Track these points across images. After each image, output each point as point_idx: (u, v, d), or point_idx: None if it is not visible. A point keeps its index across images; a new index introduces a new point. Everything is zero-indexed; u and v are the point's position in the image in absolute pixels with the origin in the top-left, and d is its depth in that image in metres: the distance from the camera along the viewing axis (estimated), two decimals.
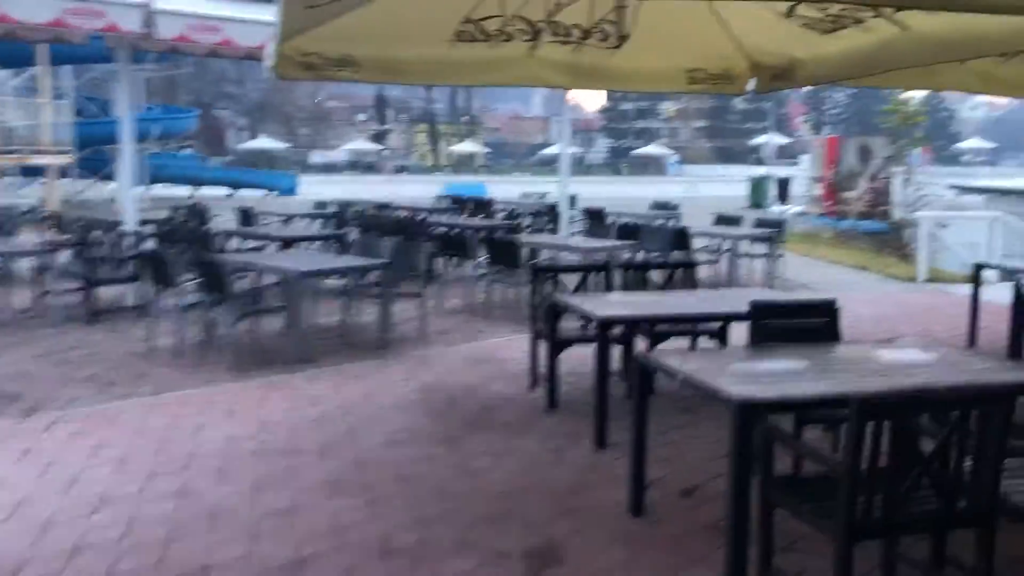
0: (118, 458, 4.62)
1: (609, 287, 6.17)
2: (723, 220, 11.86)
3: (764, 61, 7.29)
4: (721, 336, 5.78)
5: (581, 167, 63.38)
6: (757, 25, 6.74)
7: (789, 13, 6.01)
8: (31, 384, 6.16)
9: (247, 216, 12.27)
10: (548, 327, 5.57)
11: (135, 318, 8.48)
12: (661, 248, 10.03)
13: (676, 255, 10.15)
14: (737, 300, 5.78)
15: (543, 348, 5.89)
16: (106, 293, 9.12)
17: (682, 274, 6.39)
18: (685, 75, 7.45)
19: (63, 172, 22.25)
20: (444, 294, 9.55)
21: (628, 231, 10.41)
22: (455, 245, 9.61)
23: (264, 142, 55.95)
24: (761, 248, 11.10)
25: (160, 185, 29.29)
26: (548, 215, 13.85)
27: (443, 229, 11.31)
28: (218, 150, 59.46)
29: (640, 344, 5.75)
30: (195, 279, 7.12)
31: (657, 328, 5.69)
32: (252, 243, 10.69)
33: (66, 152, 19.84)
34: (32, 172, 22.19)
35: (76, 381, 6.27)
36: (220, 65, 57.32)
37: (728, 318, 5.29)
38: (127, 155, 9.33)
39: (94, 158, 23.54)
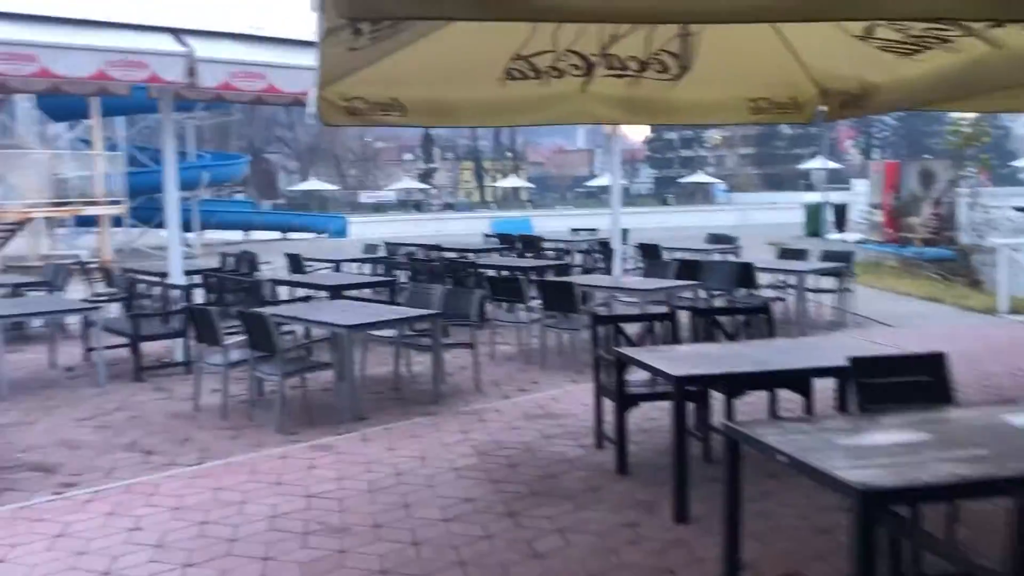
0: (155, 543, 4.27)
1: (676, 337, 5.71)
2: (787, 253, 11.31)
3: (834, 87, 6.83)
4: (804, 390, 5.27)
5: (627, 197, 62.93)
6: (828, 49, 6.29)
7: (866, 35, 5.57)
8: (70, 453, 5.88)
9: (296, 263, 12.06)
10: (615, 383, 5.12)
11: (182, 375, 8.24)
12: (724, 286, 9.53)
13: (741, 293, 9.65)
14: (823, 351, 5.31)
15: (607, 403, 5.47)
16: (153, 348, 8.91)
17: (756, 319, 5.90)
18: (748, 105, 7.02)
19: (116, 222, 22.44)
20: (496, 339, 9.15)
21: (688, 268, 9.92)
22: (507, 289, 9.22)
23: (314, 184, 56.54)
24: (829, 282, 10.53)
25: (213, 231, 29.53)
26: (600, 252, 13.42)
27: (493, 272, 10.96)
28: (270, 194, 60.24)
29: (706, 397, 5.29)
30: (242, 334, 6.83)
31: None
32: (301, 291, 10.45)
33: (118, 202, 19.99)
34: (86, 222, 22.44)
35: (117, 448, 5.98)
36: (270, 110, 58.28)
37: (821, 374, 4.79)
38: (173, 204, 9.14)
39: (147, 207, 23.76)
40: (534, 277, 10.06)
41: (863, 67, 6.30)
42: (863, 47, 5.82)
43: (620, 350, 5.06)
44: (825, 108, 7.10)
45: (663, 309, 8.76)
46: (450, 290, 8.34)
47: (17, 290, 10.50)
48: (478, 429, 6.25)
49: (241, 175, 32.34)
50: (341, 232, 32.83)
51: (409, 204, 59.98)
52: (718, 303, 9.89)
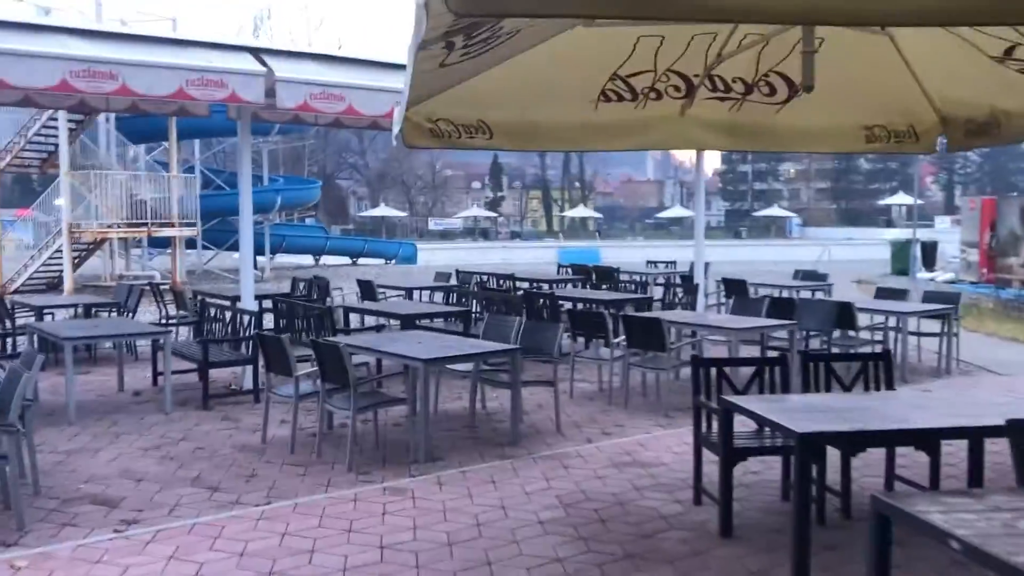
0: None
1: (786, 384, 5.17)
2: (885, 293, 10.61)
3: (959, 115, 6.26)
4: (931, 448, 4.70)
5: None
6: (956, 73, 5.75)
7: (1005, 56, 5.02)
8: (133, 486, 5.58)
9: (368, 289, 11.80)
10: (720, 434, 4.62)
11: (250, 403, 7.97)
12: (821, 327, 8.91)
13: (835, 335, 9.02)
14: (956, 406, 4.73)
15: (701, 452, 4.97)
16: (221, 374, 8.68)
17: (875, 367, 5.32)
18: (862, 133, 6.50)
19: (189, 243, 22.66)
20: (573, 376, 8.68)
21: (779, 306, 9.32)
22: (587, 323, 8.76)
23: (384, 210, 57.05)
24: (930, 325, 9.80)
25: (283, 255, 29.76)
26: (682, 286, 12.88)
27: (569, 303, 10.54)
28: (340, 219, 60.98)
29: (823, 454, 4.74)
30: (313, 364, 6.51)
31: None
32: (371, 319, 10.17)
33: (192, 224, 20.15)
34: (161, 243, 22.71)
35: (181, 482, 5.67)
36: (343, 136, 59.20)
37: (968, 435, 4.21)
38: (247, 228, 8.94)
39: (219, 229, 23.98)
40: (613, 311, 9.60)
41: (995, 92, 5.73)
42: (998, 70, 5.27)
43: (728, 399, 4.56)
44: (946, 137, 6.55)
45: (757, 350, 8.22)
46: (529, 323, 7.91)
47: (89, 311, 10.44)
48: (561, 476, 5.78)
49: (313, 200, 32.57)
50: (410, 258, 32.81)
51: (476, 232, 60.04)
52: (812, 345, 9.29)
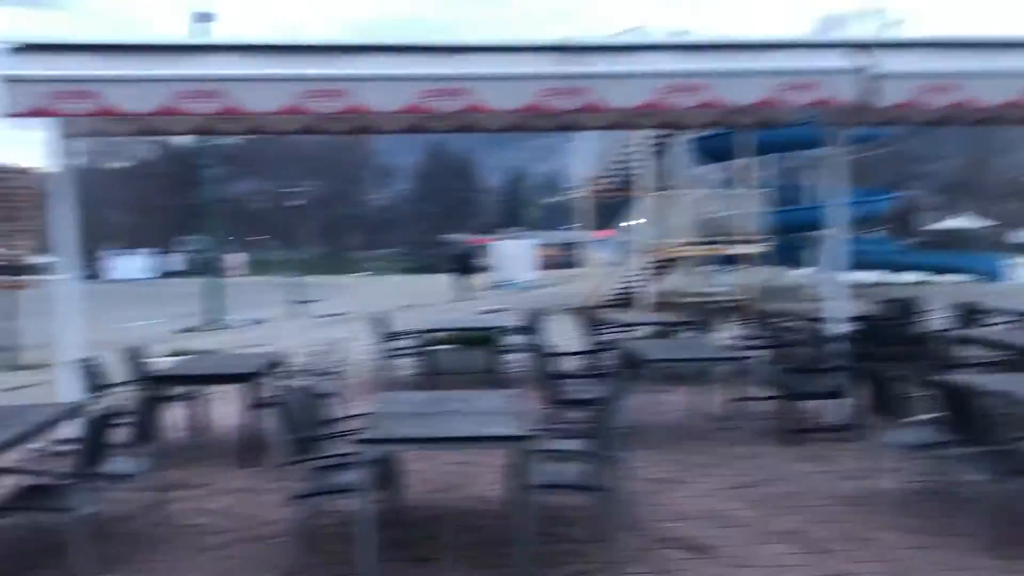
0: None
1: None
2: None
3: None
4: None
5: None
6: None
7: None
8: (722, 533, 5.01)
9: (970, 314, 9.98)
10: None
11: (844, 443, 6.97)
12: None
13: None
14: None
15: None
16: (805, 404, 7.85)
17: None
18: None
19: (760, 260, 22.33)
20: None
21: None
22: None
23: (957, 221, 51.12)
24: None
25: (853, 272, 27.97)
26: None
27: None
28: (906, 231, 56.32)
29: None
30: (931, 408, 5.32)
31: None
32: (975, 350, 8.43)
33: (763, 240, 19.77)
34: (731, 261, 22.78)
35: (775, 536, 4.95)
36: (910, 142, 54.66)
37: None
38: (836, 244, 8.02)
39: (790, 246, 23.26)
40: None
41: None
42: None
43: None
44: None
45: None
46: None
47: (667, 329, 10.46)
48: None
49: (885, 212, 30.06)
50: (994, 275, 28.43)
51: None
52: None
